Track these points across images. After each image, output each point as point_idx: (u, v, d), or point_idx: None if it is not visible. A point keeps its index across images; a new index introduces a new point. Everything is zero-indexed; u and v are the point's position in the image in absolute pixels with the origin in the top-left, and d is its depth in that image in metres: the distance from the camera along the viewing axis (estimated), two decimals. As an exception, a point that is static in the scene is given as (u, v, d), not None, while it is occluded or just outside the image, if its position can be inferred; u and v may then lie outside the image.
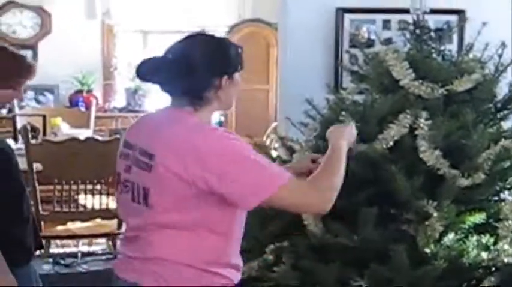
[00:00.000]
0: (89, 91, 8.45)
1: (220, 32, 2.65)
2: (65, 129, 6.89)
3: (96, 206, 5.69)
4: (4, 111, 7.38)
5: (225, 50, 2.69)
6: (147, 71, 2.65)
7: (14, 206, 3.38)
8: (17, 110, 7.61)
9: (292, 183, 2.56)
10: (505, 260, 3.29)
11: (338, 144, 2.93)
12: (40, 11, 8.96)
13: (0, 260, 2.96)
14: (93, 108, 7.93)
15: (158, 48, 8.56)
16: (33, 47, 8.82)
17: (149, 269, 2.61)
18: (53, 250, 5.90)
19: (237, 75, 2.70)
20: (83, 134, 6.11)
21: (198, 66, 2.58)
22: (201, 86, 2.61)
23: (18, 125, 6.98)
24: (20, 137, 6.18)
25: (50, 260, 5.64)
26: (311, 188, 2.67)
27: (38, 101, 8.03)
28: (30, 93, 8.32)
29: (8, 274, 2.96)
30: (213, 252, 2.64)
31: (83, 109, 7.80)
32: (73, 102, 8.51)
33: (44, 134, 6.88)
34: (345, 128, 3.15)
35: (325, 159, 2.85)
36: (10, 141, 5.00)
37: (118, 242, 2.75)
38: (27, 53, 3.93)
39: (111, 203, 5.64)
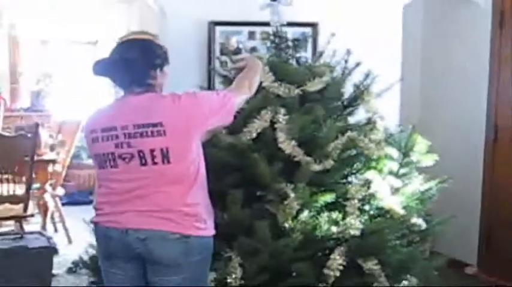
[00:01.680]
0: (-3, 94, 8.58)
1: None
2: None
3: (5, 193, 5.94)
4: None
5: (155, 49, 3.22)
6: (100, 69, 3.14)
7: None
8: None
9: (237, 94, 3.32)
10: (352, 232, 3.60)
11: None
12: None
13: None
14: (2, 108, 8.07)
15: (56, 54, 8.69)
16: None
17: (168, 217, 3.01)
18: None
19: (165, 68, 3.25)
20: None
21: (137, 63, 3.10)
22: (143, 76, 3.12)
23: None
24: None
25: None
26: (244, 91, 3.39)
27: None
28: None
29: None
30: (205, 189, 3.21)
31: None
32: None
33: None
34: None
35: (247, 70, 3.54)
36: None
37: (99, 208, 2.93)
38: None
39: (18, 190, 5.95)
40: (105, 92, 2.93)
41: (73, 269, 5.70)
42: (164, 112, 3.02)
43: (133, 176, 3.05)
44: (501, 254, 5.39)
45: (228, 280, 3.51)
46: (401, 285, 3.78)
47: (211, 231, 3.14)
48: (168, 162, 2.96)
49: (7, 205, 5.92)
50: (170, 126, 2.97)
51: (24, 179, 5.96)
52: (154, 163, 2.99)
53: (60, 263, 5.71)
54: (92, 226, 3.29)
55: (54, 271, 5.54)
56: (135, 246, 3.04)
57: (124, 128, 3.02)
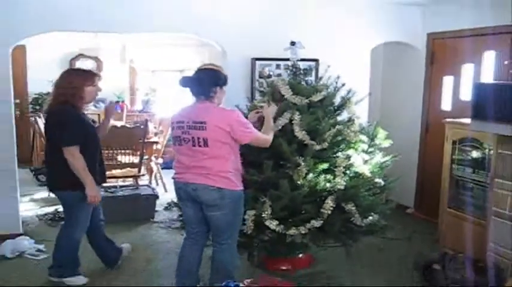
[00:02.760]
0: (123, 101, 8.72)
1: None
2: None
3: (127, 161, 6.13)
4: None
5: (218, 74, 3.27)
6: (184, 82, 3.26)
7: (96, 154, 3.72)
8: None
9: (260, 135, 3.34)
10: (338, 187, 3.64)
11: (269, 115, 3.55)
12: (96, 59, 9.01)
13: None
14: (125, 110, 8.25)
15: (159, 77, 9.33)
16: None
17: (208, 176, 3.14)
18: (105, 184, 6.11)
19: (224, 87, 3.32)
20: (119, 123, 6.42)
21: (205, 82, 3.20)
22: (207, 91, 3.20)
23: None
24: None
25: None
26: (265, 137, 3.40)
27: (95, 107, 8.19)
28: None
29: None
30: (237, 166, 3.25)
31: (119, 111, 8.07)
32: (115, 107, 8.81)
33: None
34: (272, 107, 3.66)
35: (265, 123, 3.53)
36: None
37: (175, 170, 3.11)
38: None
39: (135, 159, 6.12)
40: (186, 100, 3.02)
41: (167, 207, 5.84)
42: (209, 116, 3.14)
43: (190, 152, 3.18)
44: (429, 201, 5.42)
45: (263, 215, 3.56)
46: (368, 219, 3.79)
47: (238, 187, 3.23)
48: (206, 146, 3.10)
49: (128, 169, 6.08)
50: (210, 125, 3.10)
51: (138, 153, 6.09)
52: (199, 146, 3.13)
53: (160, 204, 5.78)
54: (173, 180, 3.42)
55: (156, 208, 5.68)
56: (191, 193, 3.19)
57: (187, 122, 3.18)
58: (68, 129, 3.50)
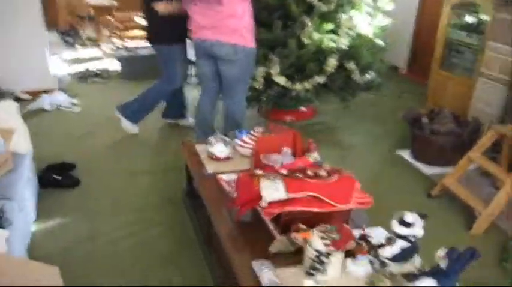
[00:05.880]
0: None
1: None
2: None
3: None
4: None
5: None
6: None
7: None
8: None
9: None
10: (342, 47, 3.63)
11: None
12: None
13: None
14: None
15: None
16: None
17: (224, 33, 2.98)
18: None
19: None
20: None
21: None
22: None
23: None
24: None
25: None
26: None
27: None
28: None
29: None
30: (250, 23, 3.04)
31: None
32: None
33: None
34: None
35: None
36: None
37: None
38: None
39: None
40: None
41: None
42: None
43: (205, 11, 3.00)
44: (421, 63, 5.33)
45: (271, 71, 3.57)
46: (366, 77, 3.80)
47: (251, 43, 3.07)
48: (222, 5, 2.90)
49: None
50: None
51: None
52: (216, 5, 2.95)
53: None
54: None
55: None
56: (207, 49, 3.11)
57: None
58: None
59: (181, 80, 3.79)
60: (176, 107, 4.06)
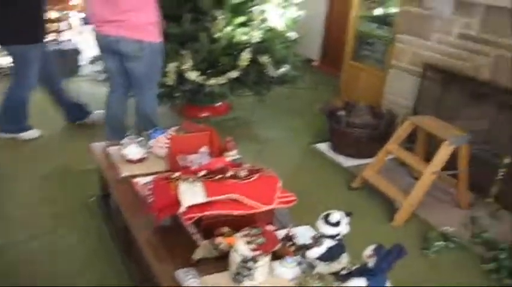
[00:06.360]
0: None
1: None
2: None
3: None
4: None
5: None
6: None
7: None
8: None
9: None
10: (254, 40, 3.55)
11: None
12: None
13: None
14: None
15: None
16: None
17: (128, 28, 2.78)
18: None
19: None
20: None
21: None
22: None
23: None
24: None
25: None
26: None
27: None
28: None
29: None
30: (156, 18, 2.85)
31: None
32: None
33: None
34: None
35: None
36: None
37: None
38: None
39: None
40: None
41: (93, 61, 5.13)
42: None
43: (107, 5, 2.78)
44: (333, 54, 5.40)
45: (183, 67, 3.43)
46: (281, 70, 3.75)
47: (157, 38, 2.90)
48: None
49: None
50: None
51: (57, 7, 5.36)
52: None
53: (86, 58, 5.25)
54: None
55: (82, 63, 5.23)
56: (112, 45, 2.90)
57: None
58: None
59: (34, 83, 3.43)
60: (73, 108, 3.77)
